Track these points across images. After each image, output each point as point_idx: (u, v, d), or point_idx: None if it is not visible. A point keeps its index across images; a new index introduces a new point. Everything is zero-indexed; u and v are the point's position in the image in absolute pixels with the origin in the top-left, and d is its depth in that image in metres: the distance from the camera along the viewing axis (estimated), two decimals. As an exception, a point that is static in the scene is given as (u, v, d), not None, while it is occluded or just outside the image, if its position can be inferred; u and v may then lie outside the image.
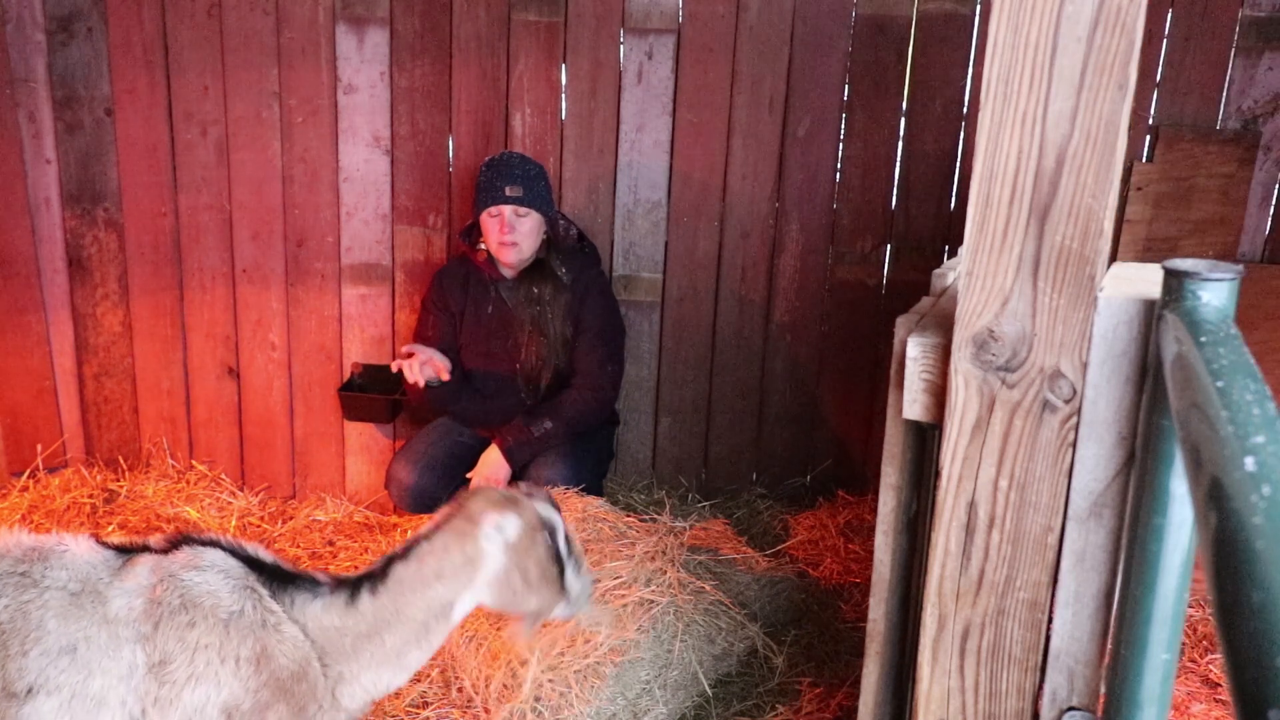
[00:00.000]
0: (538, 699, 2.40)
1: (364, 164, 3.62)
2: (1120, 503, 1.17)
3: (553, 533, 1.96)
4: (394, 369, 3.12)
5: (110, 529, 3.44)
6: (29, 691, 1.66)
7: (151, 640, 1.73)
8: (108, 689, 1.70)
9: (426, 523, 1.97)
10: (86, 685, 1.69)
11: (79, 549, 1.80)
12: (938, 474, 1.26)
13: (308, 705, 1.84)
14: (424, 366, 3.08)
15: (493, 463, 3.12)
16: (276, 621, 1.81)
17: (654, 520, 3.07)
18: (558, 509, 2.02)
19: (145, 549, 1.85)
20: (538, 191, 3.13)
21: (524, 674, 2.44)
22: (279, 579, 1.88)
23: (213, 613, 1.76)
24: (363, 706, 1.95)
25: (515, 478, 3.19)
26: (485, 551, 1.89)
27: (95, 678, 1.69)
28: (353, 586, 1.89)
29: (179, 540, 1.87)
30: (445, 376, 3.12)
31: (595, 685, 2.41)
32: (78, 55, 3.57)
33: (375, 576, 1.90)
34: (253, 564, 1.87)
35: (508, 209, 3.10)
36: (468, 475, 3.17)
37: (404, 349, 3.13)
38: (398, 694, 2.64)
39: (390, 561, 1.91)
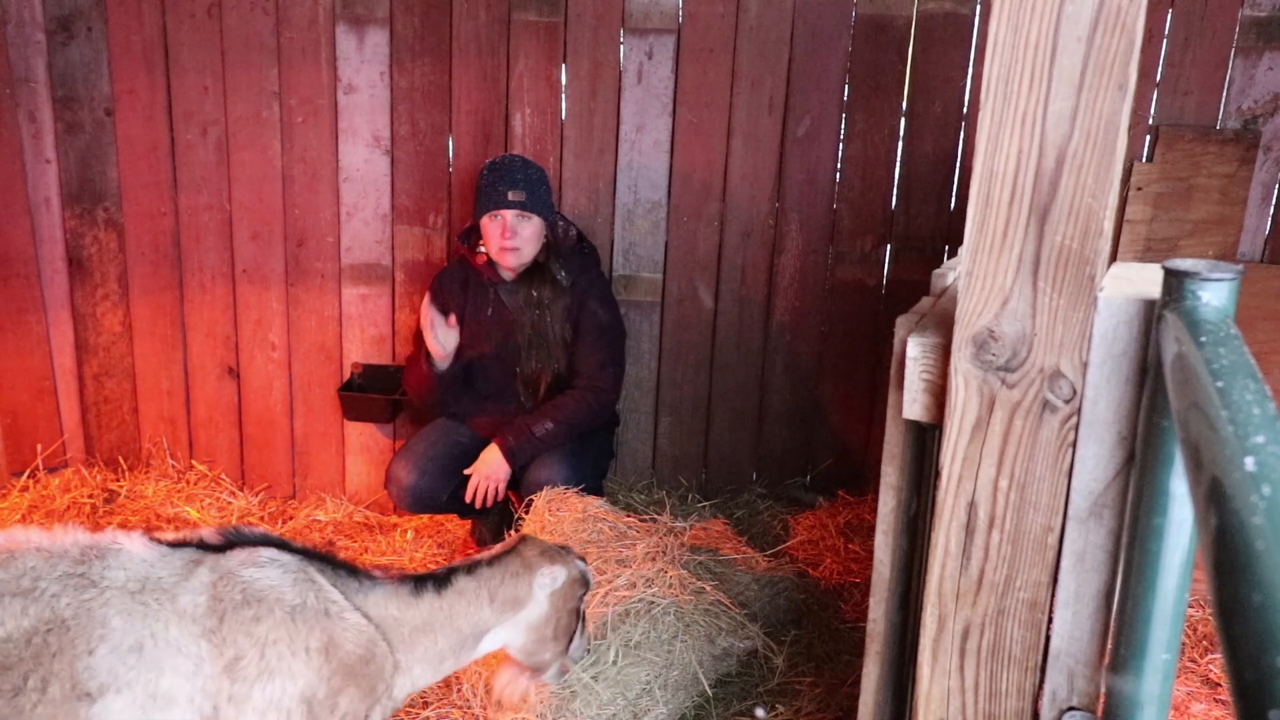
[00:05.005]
0: (540, 700, 2.40)
1: (364, 164, 3.62)
2: (1120, 503, 1.16)
3: (587, 589, 2.17)
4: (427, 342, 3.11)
5: (110, 529, 3.44)
6: (100, 690, 1.66)
7: (218, 634, 1.74)
8: (176, 686, 1.70)
9: (484, 552, 2.14)
10: (156, 683, 1.69)
11: (134, 547, 1.80)
12: (938, 474, 1.26)
13: (376, 685, 1.91)
14: (445, 333, 3.10)
15: (493, 462, 3.12)
16: (339, 609, 1.86)
17: (654, 520, 3.07)
18: (587, 566, 2.23)
19: (199, 544, 1.86)
20: (540, 196, 3.13)
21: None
22: (336, 569, 1.94)
23: (277, 606, 1.79)
24: (400, 702, 2.03)
25: (514, 478, 3.19)
26: (535, 596, 2.08)
27: (164, 675, 1.70)
28: (416, 581, 2.00)
29: (230, 536, 1.89)
30: (448, 348, 3.13)
31: (595, 686, 2.41)
32: (78, 55, 3.57)
33: (440, 580, 2.02)
34: (307, 556, 1.92)
35: (510, 213, 3.10)
36: (466, 472, 3.17)
37: (424, 315, 3.11)
38: (398, 694, 2.64)
39: (454, 572, 2.04)
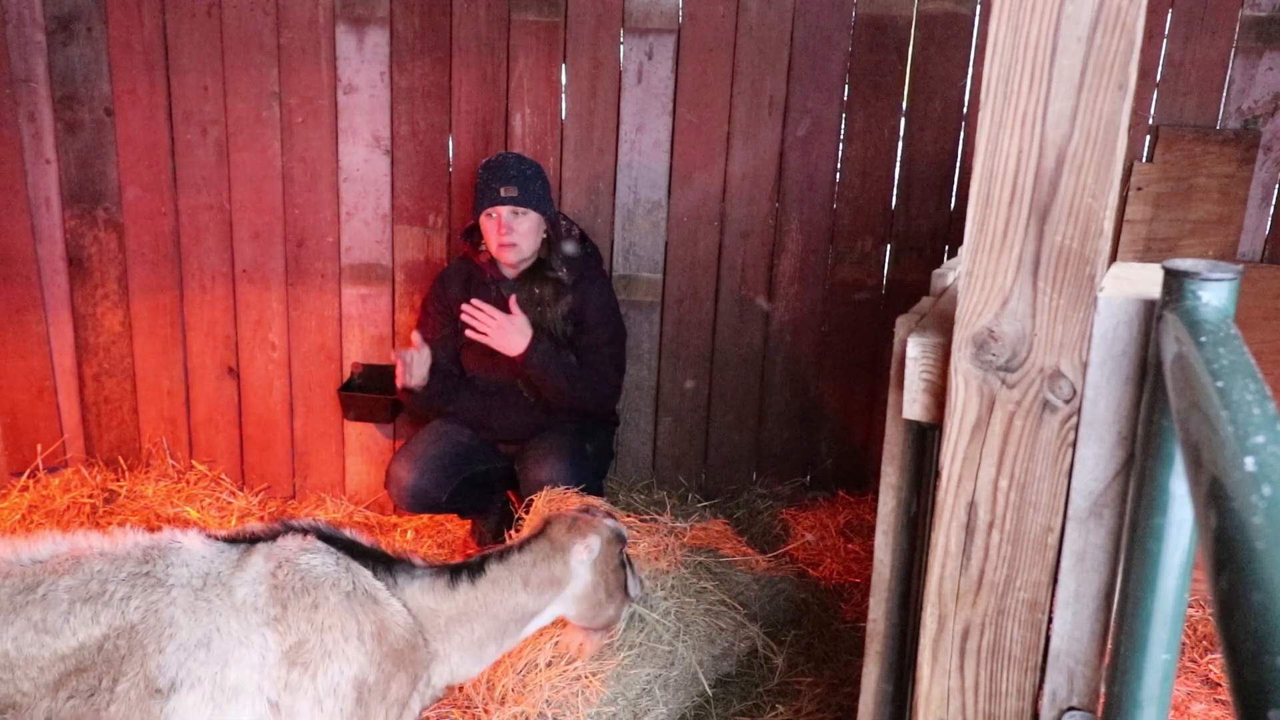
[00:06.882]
0: (546, 700, 2.40)
1: (364, 164, 3.62)
2: (1120, 503, 1.16)
3: (624, 543, 2.22)
4: (391, 359, 3.11)
5: (111, 529, 3.44)
6: (172, 687, 1.71)
7: (283, 621, 1.79)
8: (243, 677, 1.75)
9: (518, 535, 2.19)
10: (224, 675, 1.74)
11: (192, 544, 1.85)
12: (938, 474, 1.26)
13: (418, 676, 1.95)
14: (415, 368, 3.10)
15: (512, 332, 3.07)
16: (386, 597, 1.91)
17: (654, 520, 3.07)
18: (617, 521, 2.27)
19: (252, 538, 1.91)
20: (534, 190, 3.12)
21: (533, 680, 2.44)
22: (376, 560, 1.98)
23: (333, 592, 1.84)
24: (440, 691, 2.07)
25: (514, 478, 3.19)
26: (575, 572, 2.12)
27: (231, 667, 1.74)
28: (452, 572, 2.04)
29: (280, 527, 1.95)
30: (419, 375, 3.12)
31: (596, 686, 2.41)
32: (78, 55, 3.57)
33: (474, 568, 2.06)
34: (349, 547, 1.96)
35: (504, 209, 3.10)
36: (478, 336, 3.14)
37: (413, 341, 3.13)
38: (398, 694, 2.64)
39: (486, 560, 2.08)
